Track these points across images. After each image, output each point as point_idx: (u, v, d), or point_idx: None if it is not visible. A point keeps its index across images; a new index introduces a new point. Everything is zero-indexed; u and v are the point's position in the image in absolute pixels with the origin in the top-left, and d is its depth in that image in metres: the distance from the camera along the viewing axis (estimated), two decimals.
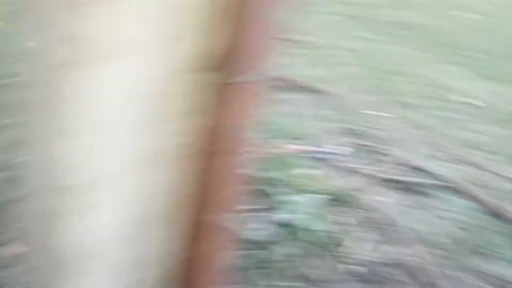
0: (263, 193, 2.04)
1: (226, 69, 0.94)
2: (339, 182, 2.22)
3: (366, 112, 2.96)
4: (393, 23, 4.70)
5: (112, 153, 0.92)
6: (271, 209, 1.94)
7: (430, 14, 5.22)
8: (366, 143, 2.61)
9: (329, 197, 2.09)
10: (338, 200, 2.10)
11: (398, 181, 2.32)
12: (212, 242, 1.11)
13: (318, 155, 2.38)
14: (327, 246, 1.83)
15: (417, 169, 2.43)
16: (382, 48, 4.04)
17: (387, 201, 2.18)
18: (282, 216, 1.88)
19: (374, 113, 2.95)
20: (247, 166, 1.10)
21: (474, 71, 3.82)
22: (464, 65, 3.94)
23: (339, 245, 1.86)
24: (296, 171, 2.21)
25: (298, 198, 1.97)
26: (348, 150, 2.42)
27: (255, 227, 1.85)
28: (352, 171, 2.34)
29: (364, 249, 1.88)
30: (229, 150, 1.01)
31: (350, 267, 1.76)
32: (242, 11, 0.89)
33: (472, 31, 4.86)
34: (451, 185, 2.32)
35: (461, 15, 5.34)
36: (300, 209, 1.90)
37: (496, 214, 2.15)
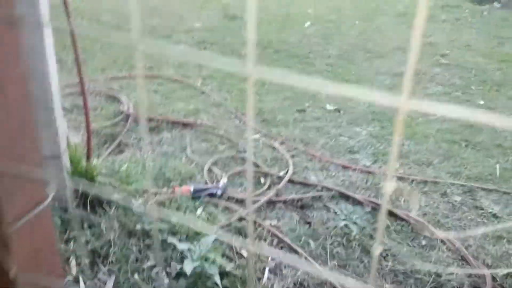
0: (162, 244, 1.90)
1: None
2: (231, 215, 2.17)
3: (239, 137, 2.98)
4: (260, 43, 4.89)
5: None
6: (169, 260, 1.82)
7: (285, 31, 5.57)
8: (247, 168, 2.62)
9: (226, 233, 2.04)
10: (237, 233, 2.06)
11: (288, 200, 2.35)
12: None
13: (207, 192, 2.31)
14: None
15: (304, 184, 2.50)
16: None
17: (283, 223, 2.19)
18: (178, 266, 1.77)
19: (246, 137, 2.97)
20: None
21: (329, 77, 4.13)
22: (318, 72, 4.25)
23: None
24: (190, 215, 2.12)
25: (193, 244, 1.87)
26: (224, 181, 2.39)
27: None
28: (241, 201, 2.32)
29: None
30: None
31: None
32: None
33: (324, 39, 5.29)
34: (340, 191, 2.43)
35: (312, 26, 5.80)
36: (197, 255, 1.80)
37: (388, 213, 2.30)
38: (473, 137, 3.19)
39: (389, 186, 0.36)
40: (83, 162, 2.12)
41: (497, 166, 2.82)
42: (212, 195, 2.31)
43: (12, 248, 0.67)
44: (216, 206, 2.25)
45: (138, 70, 2.84)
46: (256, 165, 2.67)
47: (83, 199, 2.08)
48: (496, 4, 7.89)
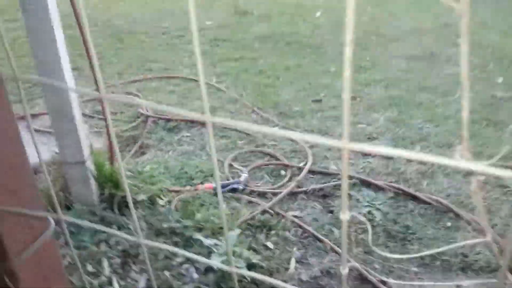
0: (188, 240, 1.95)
1: None
2: (256, 209, 2.20)
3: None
4: (259, 37, 4.91)
5: None
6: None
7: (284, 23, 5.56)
8: (267, 161, 2.65)
9: (250, 227, 2.08)
10: (261, 226, 2.09)
11: (309, 191, 2.37)
12: None
13: (229, 187, 2.35)
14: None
15: (324, 173, 2.52)
16: (260, 57, 4.18)
17: (306, 213, 2.21)
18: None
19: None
20: None
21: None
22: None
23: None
24: (214, 210, 2.16)
25: (218, 239, 1.91)
26: (245, 175, 2.42)
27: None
28: (263, 194, 2.35)
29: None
30: None
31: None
32: None
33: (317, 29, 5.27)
34: (361, 178, 2.44)
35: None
36: (223, 249, 1.84)
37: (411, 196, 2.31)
38: (493, 115, 3.15)
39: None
40: (107, 166, 2.18)
41: None
42: (234, 190, 2.35)
43: (20, 278, 0.71)
44: (239, 200, 2.28)
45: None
46: (275, 158, 2.69)
47: (110, 202, 2.14)
48: None
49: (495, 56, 4.37)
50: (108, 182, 2.16)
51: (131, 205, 0.64)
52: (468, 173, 2.49)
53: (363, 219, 2.14)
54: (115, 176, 2.20)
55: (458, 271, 1.87)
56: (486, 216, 2.13)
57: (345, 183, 0.38)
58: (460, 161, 0.31)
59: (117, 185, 2.20)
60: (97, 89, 2.08)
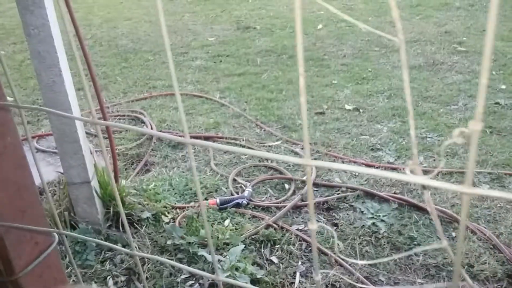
0: (192, 256, 1.96)
1: None
2: (260, 223, 2.21)
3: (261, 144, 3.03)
4: (258, 52, 4.95)
5: None
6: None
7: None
8: (271, 175, 2.66)
9: (254, 242, 2.09)
10: (265, 241, 2.10)
11: (314, 204, 2.37)
12: None
13: (233, 202, 2.36)
14: None
15: (328, 186, 2.52)
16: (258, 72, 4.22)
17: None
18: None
19: (266, 143, 3.03)
20: None
21: (345, 77, 4.14)
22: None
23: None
24: (219, 226, 2.17)
25: (222, 255, 1.91)
26: (249, 190, 2.43)
27: None
28: (267, 208, 2.35)
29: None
30: None
31: None
32: None
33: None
34: (365, 190, 2.44)
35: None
36: (227, 265, 1.85)
37: (415, 207, 2.31)
38: (497, 123, 3.14)
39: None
40: (112, 185, 2.21)
41: None
42: (238, 205, 2.36)
43: None
44: (243, 215, 2.29)
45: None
46: (279, 172, 2.70)
47: (114, 220, 2.16)
48: None
49: (497, 63, 4.36)
50: (113, 200, 2.19)
51: (123, 218, 0.66)
52: (472, 183, 2.48)
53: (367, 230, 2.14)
54: (119, 194, 2.23)
55: (464, 281, 1.86)
56: (490, 226, 2.12)
57: (310, 192, 0.40)
58: (406, 175, 0.33)
59: (121, 203, 2.22)
60: (101, 107, 2.11)
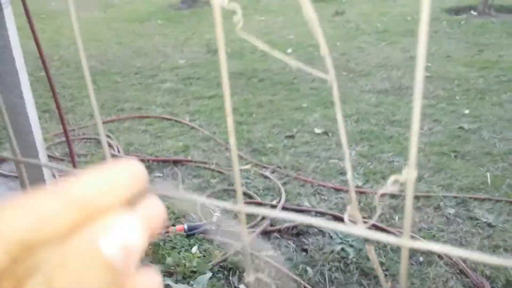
0: None
1: None
2: (226, 250, 2.17)
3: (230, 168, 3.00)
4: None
5: None
6: None
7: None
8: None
9: (222, 269, 2.04)
10: (234, 268, 2.05)
11: (283, 229, 2.36)
12: None
13: (201, 228, 2.32)
14: None
15: (297, 211, 2.51)
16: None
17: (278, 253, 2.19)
18: None
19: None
20: None
21: (314, 101, 4.19)
22: None
23: None
24: (186, 253, 2.11)
25: (189, 283, 1.86)
26: (218, 215, 2.39)
27: None
28: (235, 233, 2.32)
29: None
30: None
31: None
32: None
33: None
34: (333, 214, 2.44)
35: None
36: None
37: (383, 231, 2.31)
38: (461, 147, 3.22)
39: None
40: None
41: (488, 174, 2.84)
42: (206, 231, 2.31)
43: None
44: (211, 242, 2.24)
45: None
46: (249, 196, 2.68)
47: None
48: (472, 13, 8.08)
49: (461, 88, 4.52)
50: None
51: None
52: (438, 207, 2.53)
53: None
54: None
55: None
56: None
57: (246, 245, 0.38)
58: (341, 224, 0.31)
59: None
60: (64, 130, 2.05)
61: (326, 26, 7.46)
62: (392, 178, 0.34)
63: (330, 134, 3.52)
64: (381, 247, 2.20)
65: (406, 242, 0.31)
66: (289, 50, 6.08)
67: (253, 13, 8.94)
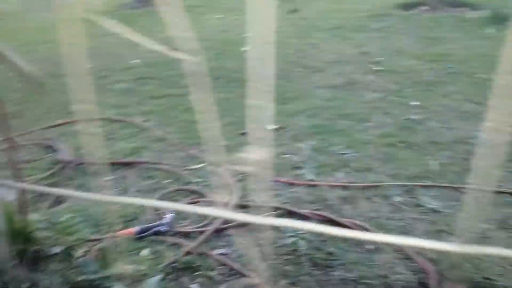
0: None
1: None
2: (182, 250, 2.15)
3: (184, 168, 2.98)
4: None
5: None
6: None
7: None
8: (193, 199, 2.62)
9: (174, 270, 2.02)
10: (185, 268, 2.04)
11: (237, 226, 2.36)
12: None
13: (152, 230, 2.28)
14: None
15: (251, 207, 2.51)
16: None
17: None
18: None
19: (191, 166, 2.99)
20: None
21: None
22: None
23: None
24: (135, 257, 2.08)
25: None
26: (170, 216, 2.37)
27: None
28: (189, 234, 2.30)
29: None
30: None
31: None
32: None
33: None
34: (286, 209, 2.46)
35: None
36: None
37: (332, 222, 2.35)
38: (410, 137, 3.32)
39: None
40: (19, 219, 2.06)
41: (434, 162, 2.95)
42: (158, 233, 2.28)
43: None
44: (163, 243, 2.22)
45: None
46: (202, 195, 2.66)
47: (21, 258, 2.00)
48: (423, 8, 8.34)
49: (411, 81, 4.66)
50: (19, 236, 2.03)
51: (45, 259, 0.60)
52: (385, 196, 2.60)
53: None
54: (27, 229, 2.08)
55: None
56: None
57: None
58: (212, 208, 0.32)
59: (29, 238, 2.07)
60: (6, 137, 1.97)
61: (282, 23, 7.52)
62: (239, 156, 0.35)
63: (283, 129, 3.55)
64: (332, 237, 2.23)
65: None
66: (245, 48, 6.08)
67: (210, 11, 8.91)
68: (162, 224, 2.30)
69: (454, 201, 2.51)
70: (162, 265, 2.03)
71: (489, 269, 1.99)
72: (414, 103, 4.04)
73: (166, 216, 2.39)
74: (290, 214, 2.45)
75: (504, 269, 1.99)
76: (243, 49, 6.04)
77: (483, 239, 2.17)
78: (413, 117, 3.71)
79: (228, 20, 8.02)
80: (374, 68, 5.03)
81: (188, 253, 2.13)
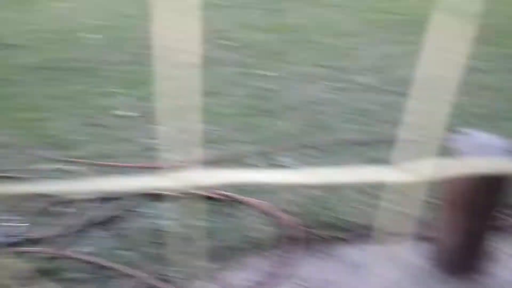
0: None
1: None
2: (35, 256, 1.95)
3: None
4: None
5: None
6: None
7: None
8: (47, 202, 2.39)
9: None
10: (47, 274, 1.86)
11: (98, 222, 2.22)
12: None
13: None
14: None
15: (112, 199, 2.38)
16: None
17: None
18: None
19: None
20: None
21: (122, 84, 4.01)
22: None
23: None
24: None
25: None
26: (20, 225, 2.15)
27: None
28: (46, 239, 2.10)
29: None
30: None
31: None
32: None
33: None
34: (147, 193, 2.38)
35: None
36: None
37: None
38: (263, 105, 3.46)
39: None
40: None
41: (286, 125, 3.12)
42: (8, 244, 2.04)
43: None
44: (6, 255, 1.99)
45: None
46: (55, 196, 2.45)
47: None
48: None
49: (263, 53, 4.83)
50: None
51: None
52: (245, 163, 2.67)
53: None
54: None
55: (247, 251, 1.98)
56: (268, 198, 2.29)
57: None
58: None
59: None
60: None
61: (130, 10, 7.20)
62: None
63: (142, 115, 3.42)
64: (201, 212, 2.23)
65: None
66: (93, 35, 5.69)
67: None
68: (7, 235, 2.06)
69: (306, 159, 2.68)
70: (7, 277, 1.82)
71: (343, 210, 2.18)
72: (267, 73, 4.21)
73: (16, 225, 2.15)
74: (152, 197, 2.38)
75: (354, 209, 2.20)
76: (90, 36, 5.66)
77: None
78: (267, 86, 3.86)
79: (73, 7, 7.41)
80: (227, 43, 5.11)
81: (51, 258, 1.95)
